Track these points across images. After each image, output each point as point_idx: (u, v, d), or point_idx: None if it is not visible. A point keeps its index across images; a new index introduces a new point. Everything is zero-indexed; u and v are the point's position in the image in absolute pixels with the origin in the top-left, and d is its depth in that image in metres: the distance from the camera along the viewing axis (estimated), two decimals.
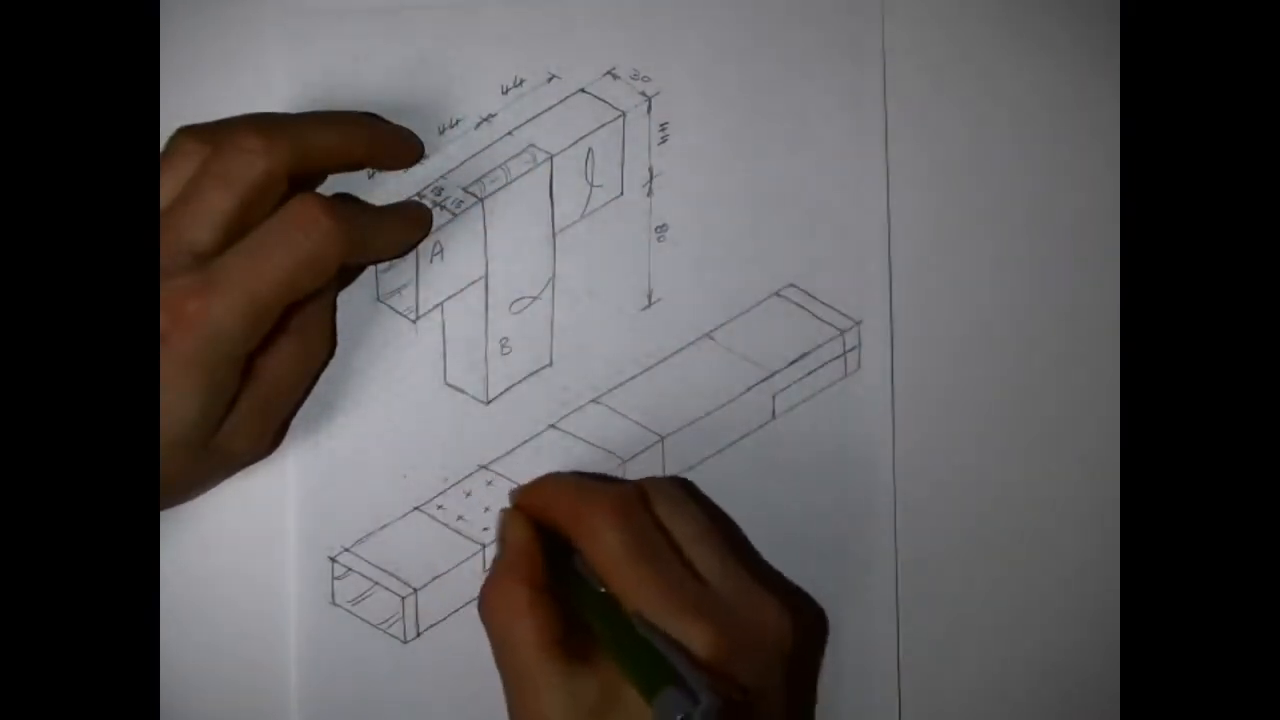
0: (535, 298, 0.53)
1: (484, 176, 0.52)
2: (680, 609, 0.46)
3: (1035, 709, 0.53)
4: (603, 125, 0.53)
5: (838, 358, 0.53)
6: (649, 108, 0.53)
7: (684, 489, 0.51)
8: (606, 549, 0.47)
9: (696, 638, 0.46)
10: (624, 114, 0.53)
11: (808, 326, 0.53)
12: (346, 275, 0.52)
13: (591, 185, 0.53)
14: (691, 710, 0.42)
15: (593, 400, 0.53)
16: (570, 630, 0.47)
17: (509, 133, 0.52)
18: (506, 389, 0.53)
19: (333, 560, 0.52)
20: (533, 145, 0.52)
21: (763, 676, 0.47)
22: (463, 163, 0.52)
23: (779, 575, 0.53)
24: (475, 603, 0.52)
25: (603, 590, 0.48)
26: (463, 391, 0.52)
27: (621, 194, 0.53)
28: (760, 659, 0.47)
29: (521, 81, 0.53)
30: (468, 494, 0.52)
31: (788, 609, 0.48)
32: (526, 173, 0.52)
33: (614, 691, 0.46)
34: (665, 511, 0.49)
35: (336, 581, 0.52)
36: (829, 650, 0.53)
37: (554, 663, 0.47)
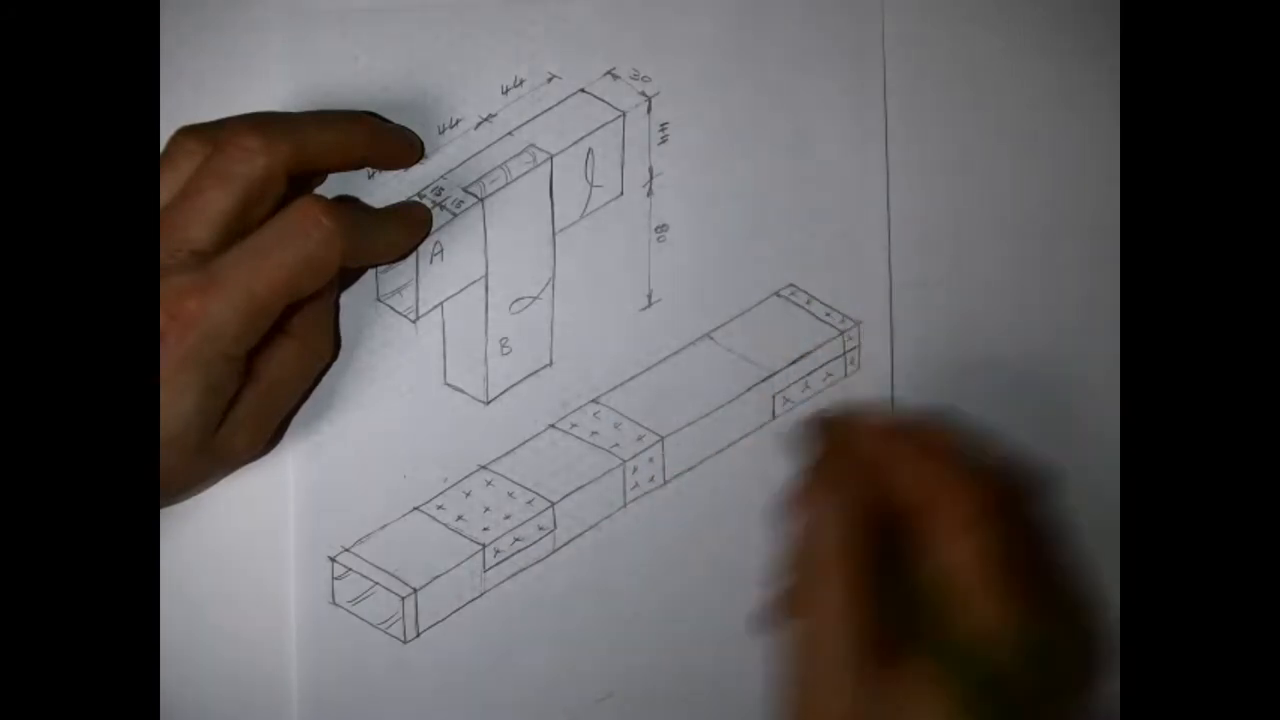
0: (535, 298, 0.53)
1: (484, 176, 0.52)
2: (1029, 624, 0.41)
3: None
4: (603, 125, 0.53)
5: (838, 358, 0.53)
6: (649, 108, 0.53)
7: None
8: (968, 558, 0.42)
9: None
10: (624, 114, 0.53)
11: (808, 326, 0.53)
12: (347, 277, 0.52)
13: (591, 185, 0.53)
14: None
15: (592, 400, 0.53)
16: (884, 629, 0.42)
17: (509, 133, 0.52)
18: (506, 389, 0.53)
19: (333, 560, 0.52)
20: (533, 145, 0.52)
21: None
22: (463, 163, 0.52)
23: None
24: (474, 603, 0.52)
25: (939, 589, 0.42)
26: (463, 391, 0.52)
27: (621, 194, 0.53)
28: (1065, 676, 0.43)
29: (521, 81, 0.53)
30: (467, 494, 0.52)
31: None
32: (526, 173, 0.52)
33: (919, 694, 0.41)
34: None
35: (336, 581, 0.52)
36: None
37: (869, 673, 0.41)
